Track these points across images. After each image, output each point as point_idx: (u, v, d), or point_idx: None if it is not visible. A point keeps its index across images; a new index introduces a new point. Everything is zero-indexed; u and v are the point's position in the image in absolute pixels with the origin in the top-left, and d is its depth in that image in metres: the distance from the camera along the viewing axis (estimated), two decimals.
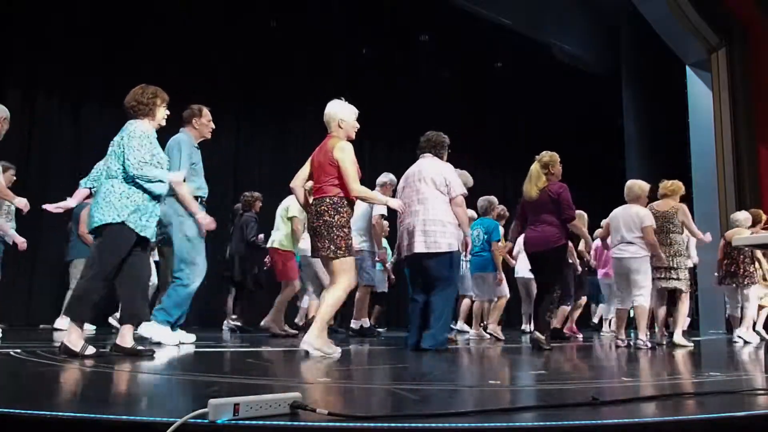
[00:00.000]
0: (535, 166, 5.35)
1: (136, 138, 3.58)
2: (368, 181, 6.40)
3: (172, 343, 4.56)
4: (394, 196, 5.52)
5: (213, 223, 4.81)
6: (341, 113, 4.23)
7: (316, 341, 3.86)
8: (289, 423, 1.64)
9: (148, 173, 3.54)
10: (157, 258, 6.61)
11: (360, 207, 6.16)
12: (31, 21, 7.87)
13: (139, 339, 4.18)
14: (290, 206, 6.45)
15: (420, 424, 1.68)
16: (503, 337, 6.90)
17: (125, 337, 3.62)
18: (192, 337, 4.88)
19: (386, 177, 6.65)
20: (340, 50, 10.45)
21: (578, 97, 12.85)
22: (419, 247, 4.68)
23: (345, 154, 4.02)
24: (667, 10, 10.89)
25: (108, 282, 3.53)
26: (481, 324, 7.33)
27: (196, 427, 1.57)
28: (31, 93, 7.89)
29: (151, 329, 4.51)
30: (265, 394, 1.78)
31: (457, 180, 4.81)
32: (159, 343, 4.43)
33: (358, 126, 4.30)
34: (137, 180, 3.54)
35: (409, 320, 4.99)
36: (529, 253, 5.51)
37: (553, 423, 1.81)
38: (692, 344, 6.03)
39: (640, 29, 12.13)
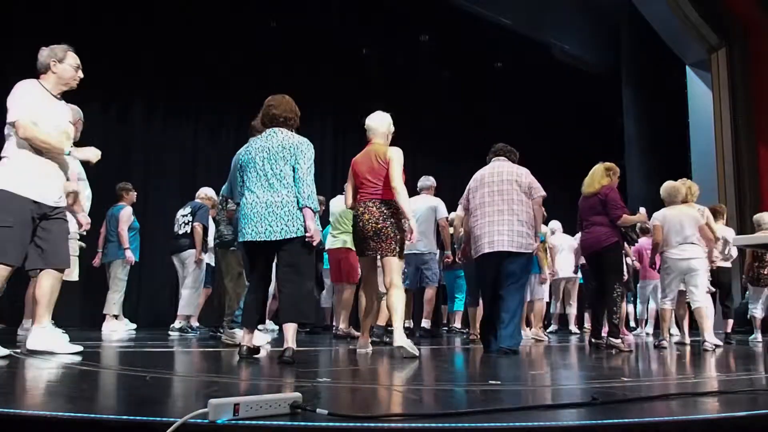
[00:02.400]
0: (599, 167, 5.55)
1: (307, 146, 3.71)
2: None
3: (264, 341, 4.77)
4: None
5: None
6: (391, 126, 4.59)
7: (404, 342, 4.07)
8: (289, 423, 1.64)
9: (312, 184, 3.66)
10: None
11: (420, 210, 6.51)
12: (31, 21, 7.86)
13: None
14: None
15: (420, 424, 1.68)
16: (546, 338, 7.13)
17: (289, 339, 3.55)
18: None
19: (429, 180, 6.86)
20: (340, 50, 10.44)
21: (578, 97, 12.84)
22: (506, 246, 4.73)
23: (398, 156, 4.32)
24: (667, 10, 10.87)
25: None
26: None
27: (196, 427, 1.57)
28: None
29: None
30: (265, 394, 1.78)
31: (537, 182, 4.95)
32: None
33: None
34: (305, 190, 3.60)
35: (482, 320, 5.15)
36: (586, 256, 5.65)
37: (553, 423, 1.81)
38: (721, 344, 6.02)
39: (640, 29, 12.11)
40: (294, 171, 3.62)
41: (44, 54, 3.66)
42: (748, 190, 10.36)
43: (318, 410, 1.72)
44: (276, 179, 3.61)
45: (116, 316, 6.93)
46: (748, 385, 2.88)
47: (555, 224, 8.60)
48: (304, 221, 3.55)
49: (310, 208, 3.57)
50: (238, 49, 9.34)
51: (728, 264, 7.01)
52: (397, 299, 4.21)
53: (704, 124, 11.33)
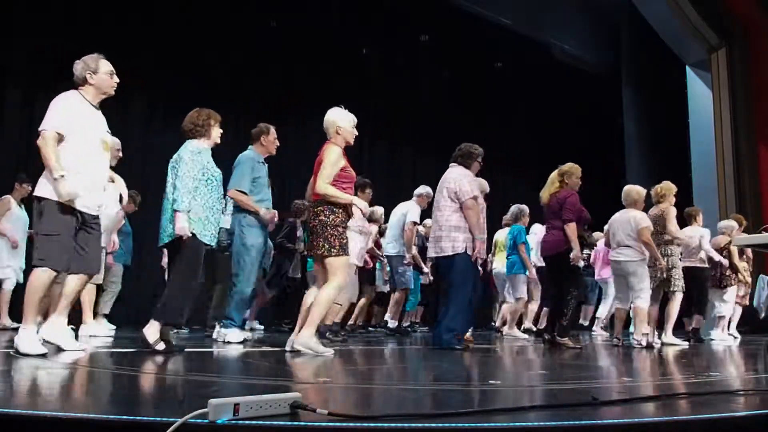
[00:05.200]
0: (553, 174, 5.75)
1: (188, 153, 4.03)
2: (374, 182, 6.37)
3: (237, 340, 4.97)
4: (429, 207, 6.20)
5: (275, 217, 5.36)
6: (339, 120, 4.37)
7: (309, 341, 3.98)
8: (289, 423, 1.64)
9: (184, 188, 3.92)
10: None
11: (395, 215, 6.85)
12: (31, 21, 7.87)
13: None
14: None
15: (420, 424, 1.68)
16: (525, 336, 7.30)
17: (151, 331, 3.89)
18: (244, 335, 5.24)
19: (423, 189, 7.06)
20: (340, 50, 10.45)
21: (578, 97, 12.83)
22: (430, 252, 5.09)
23: (329, 154, 4.17)
24: (667, 10, 10.86)
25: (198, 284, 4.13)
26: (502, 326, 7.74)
27: (196, 427, 1.57)
28: (31, 93, 7.88)
29: (225, 333, 5.06)
30: (265, 394, 1.78)
31: (467, 186, 5.01)
32: (228, 342, 4.91)
33: (356, 133, 4.44)
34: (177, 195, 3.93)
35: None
36: (544, 258, 5.86)
37: (553, 423, 1.81)
38: (685, 343, 6.14)
39: (640, 29, 12.10)
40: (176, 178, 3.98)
41: (78, 67, 3.70)
42: (748, 190, 10.34)
43: (318, 410, 1.72)
44: (169, 187, 4.02)
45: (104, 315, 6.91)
46: (748, 385, 2.88)
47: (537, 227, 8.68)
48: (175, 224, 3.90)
49: (177, 210, 3.90)
50: (238, 49, 9.34)
51: (705, 264, 7.03)
52: (323, 299, 4.01)
53: (704, 124, 11.32)
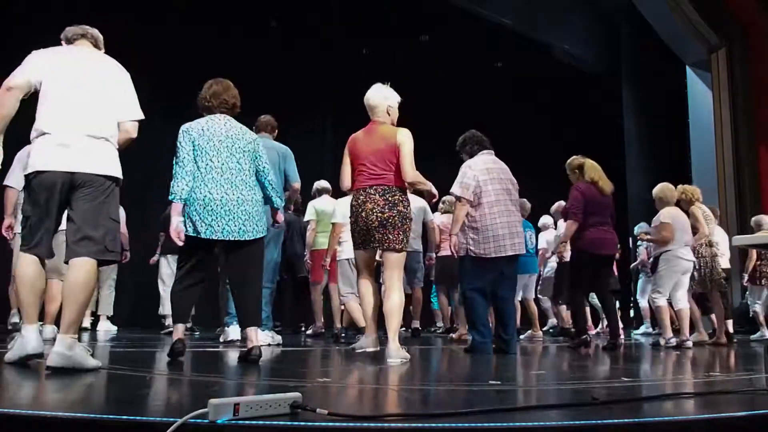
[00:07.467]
0: (593, 163, 5.47)
1: (261, 144, 3.75)
2: None
3: (264, 342, 4.68)
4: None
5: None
6: (391, 99, 4.19)
7: (400, 353, 3.74)
8: (289, 423, 1.65)
9: (277, 182, 3.73)
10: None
11: (412, 209, 6.34)
12: (31, 21, 7.86)
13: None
14: (336, 211, 6.36)
15: (420, 424, 1.68)
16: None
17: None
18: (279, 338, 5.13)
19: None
20: (340, 50, 10.45)
21: (578, 97, 12.84)
22: (520, 249, 4.66)
23: (408, 139, 3.94)
24: (667, 10, 10.86)
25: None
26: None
27: (196, 427, 1.57)
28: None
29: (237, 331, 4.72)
30: (265, 394, 1.78)
31: None
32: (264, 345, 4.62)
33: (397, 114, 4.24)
34: (270, 188, 3.66)
35: (482, 324, 4.65)
36: (604, 255, 5.34)
37: (553, 423, 1.81)
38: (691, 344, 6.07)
39: (640, 29, 12.13)
40: (260, 170, 3.67)
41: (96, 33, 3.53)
42: (748, 190, 10.34)
43: (318, 410, 1.72)
44: (246, 174, 3.62)
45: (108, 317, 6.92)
46: (748, 385, 2.88)
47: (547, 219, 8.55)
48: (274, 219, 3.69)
49: (278, 208, 3.69)
50: (238, 49, 9.34)
51: (727, 264, 6.96)
52: (396, 304, 3.75)
53: (704, 124, 11.32)
